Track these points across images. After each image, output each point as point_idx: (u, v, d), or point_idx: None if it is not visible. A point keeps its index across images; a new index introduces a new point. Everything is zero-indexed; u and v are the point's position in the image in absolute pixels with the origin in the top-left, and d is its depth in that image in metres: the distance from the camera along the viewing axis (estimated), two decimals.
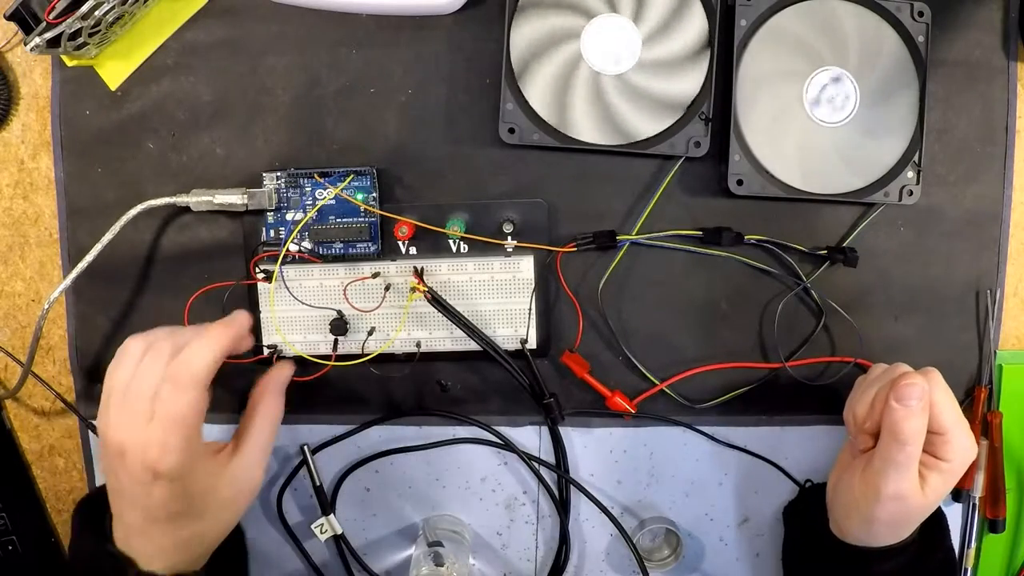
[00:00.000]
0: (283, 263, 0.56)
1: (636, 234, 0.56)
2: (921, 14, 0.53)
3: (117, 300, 0.58)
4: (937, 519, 0.53)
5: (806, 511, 0.56)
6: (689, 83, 0.53)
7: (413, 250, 0.56)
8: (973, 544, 0.60)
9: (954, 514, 0.60)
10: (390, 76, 0.55)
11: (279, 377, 0.53)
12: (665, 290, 0.57)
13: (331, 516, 0.59)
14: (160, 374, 0.44)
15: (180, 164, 0.57)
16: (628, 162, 0.55)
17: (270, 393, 0.52)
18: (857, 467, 0.50)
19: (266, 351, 0.57)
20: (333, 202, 0.55)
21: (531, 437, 0.59)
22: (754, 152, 0.54)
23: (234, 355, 0.48)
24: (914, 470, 0.46)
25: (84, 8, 0.49)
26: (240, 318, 0.49)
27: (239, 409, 0.59)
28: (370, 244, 0.56)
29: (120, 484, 0.45)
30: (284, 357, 0.57)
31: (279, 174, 0.55)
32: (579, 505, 0.60)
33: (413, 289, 0.55)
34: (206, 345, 0.45)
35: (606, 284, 0.56)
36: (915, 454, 0.46)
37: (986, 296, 0.57)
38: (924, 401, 0.45)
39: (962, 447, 0.47)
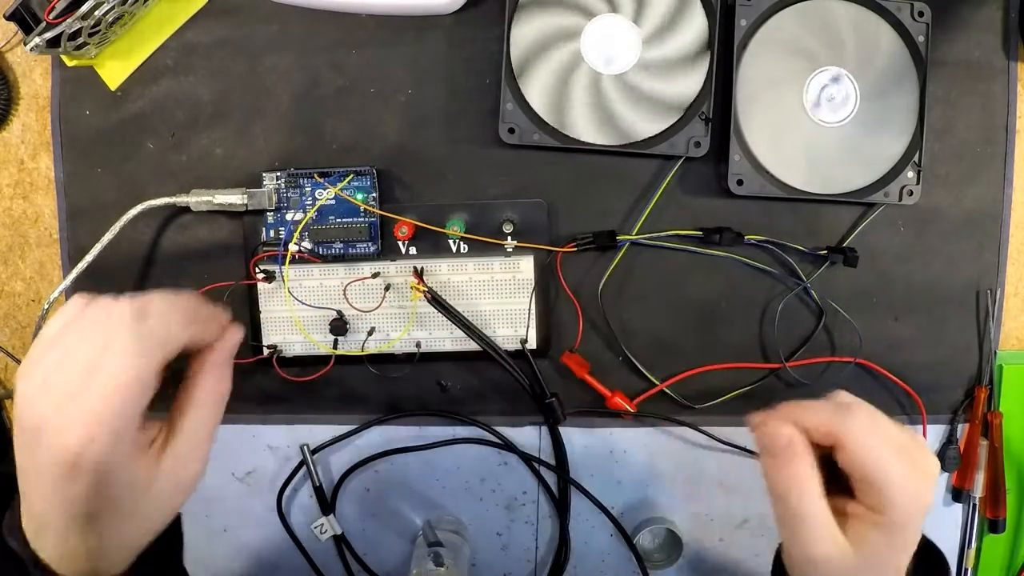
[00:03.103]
0: (283, 263, 0.56)
1: (636, 234, 0.56)
2: (921, 14, 0.53)
3: None
4: (935, 568, 0.43)
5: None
6: (688, 85, 0.53)
7: (413, 250, 0.56)
8: (973, 544, 0.60)
9: (954, 514, 0.60)
10: (390, 76, 0.55)
11: (224, 346, 0.41)
12: (665, 290, 0.57)
13: (331, 516, 0.59)
14: (105, 338, 0.35)
15: (180, 164, 0.57)
16: (628, 162, 0.55)
17: (213, 365, 0.40)
18: None
19: (266, 351, 0.57)
20: (333, 202, 0.55)
21: (531, 437, 0.59)
22: (754, 152, 0.54)
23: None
24: (820, 531, 0.38)
25: (84, 8, 0.49)
26: (218, 316, 0.40)
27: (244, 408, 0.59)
28: (370, 244, 0.56)
29: (33, 468, 0.36)
30: (284, 357, 0.57)
31: (279, 174, 0.55)
32: (579, 505, 0.60)
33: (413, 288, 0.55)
34: (167, 323, 0.37)
35: (606, 284, 0.56)
36: (809, 513, 0.38)
37: (986, 296, 0.57)
38: (793, 452, 0.38)
39: (901, 495, 0.37)
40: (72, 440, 0.34)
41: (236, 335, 0.42)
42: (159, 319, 0.37)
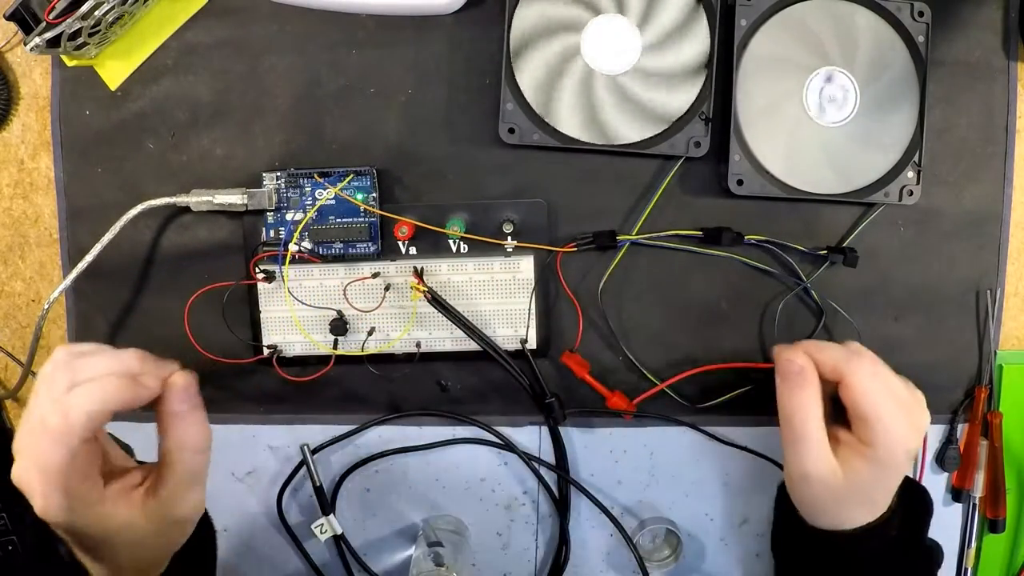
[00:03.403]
0: (283, 263, 0.56)
1: (636, 234, 0.56)
2: (921, 14, 0.53)
3: (117, 300, 0.58)
4: (918, 504, 0.49)
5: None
6: (678, 99, 0.53)
7: (413, 250, 0.56)
8: (973, 544, 0.60)
9: (954, 514, 0.60)
10: (390, 76, 0.55)
11: (180, 393, 0.42)
12: (665, 290, 0.57)
13: (331, 516, 0.59)
14: (41, 415, 0.38)
15: (180, 164, 0.56)
16: (628, 162, 0.55)
17: (173, 415, 0.41)
18: None
19: (266, 351, 0.57)
20: (333, 202, 0.55)
21: (531, 437, 0.59)
22: (754, 152, 0.54)
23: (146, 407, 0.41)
24: (815, 450, 0.44)
25: (84, 8, 0.49)
26: (156, 370, 0.41)
27: (235, 410, 0.59)
28: (370, 244, 0.56)
29: None
30: (284, 357, 0.57)
31: (279, 174, 0.55)
32: (579, 505, 0.60)
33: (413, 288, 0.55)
34: (91, 394, 0.38)
35: (606, 284, 0.56)
36: (808, 433, 0.44)
37: (986, 296, 0.57)
38: (803, 378, 0.45)
39: (887, 435, 0.43)
40: (37, 505, 0.38)
41: (178, 383, 0.42)
42: (86, 390, 0.38)
